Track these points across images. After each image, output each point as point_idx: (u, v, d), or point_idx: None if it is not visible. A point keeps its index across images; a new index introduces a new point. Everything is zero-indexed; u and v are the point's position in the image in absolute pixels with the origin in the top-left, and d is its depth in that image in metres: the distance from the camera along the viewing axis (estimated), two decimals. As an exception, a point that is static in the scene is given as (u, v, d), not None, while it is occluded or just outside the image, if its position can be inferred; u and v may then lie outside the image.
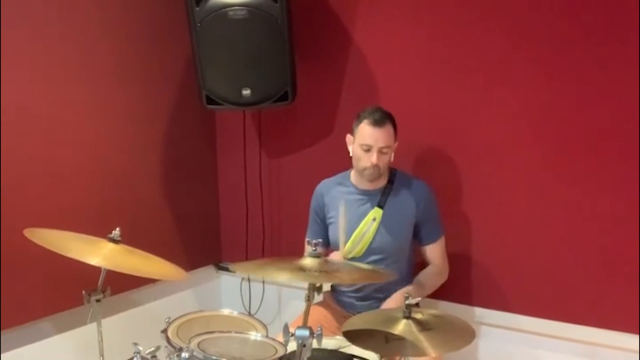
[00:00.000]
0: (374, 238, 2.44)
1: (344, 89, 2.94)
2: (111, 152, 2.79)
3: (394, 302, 2.34)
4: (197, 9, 2.61)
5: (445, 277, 2.55)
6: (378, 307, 2.42)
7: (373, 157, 2.33)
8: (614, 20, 2.33)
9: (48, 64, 2.51)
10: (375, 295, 2.47)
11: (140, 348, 1.89)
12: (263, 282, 3.29)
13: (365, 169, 2.38)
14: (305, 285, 1.79)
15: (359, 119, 2.39)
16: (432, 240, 2.51)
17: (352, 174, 2.53)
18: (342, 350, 2.05)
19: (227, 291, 3.47)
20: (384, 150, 2.35)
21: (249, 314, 3.12)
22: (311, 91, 2.97)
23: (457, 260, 2.65)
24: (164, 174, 3.07)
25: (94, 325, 2.15)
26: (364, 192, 2.49)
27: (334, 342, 2.09)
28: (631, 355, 2.39)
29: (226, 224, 3.43)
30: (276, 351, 1.87)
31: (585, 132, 2.42)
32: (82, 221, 2.55)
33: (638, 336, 2.36)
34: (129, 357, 1.89)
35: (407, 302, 1.82)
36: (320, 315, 2.51)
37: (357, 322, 1.93)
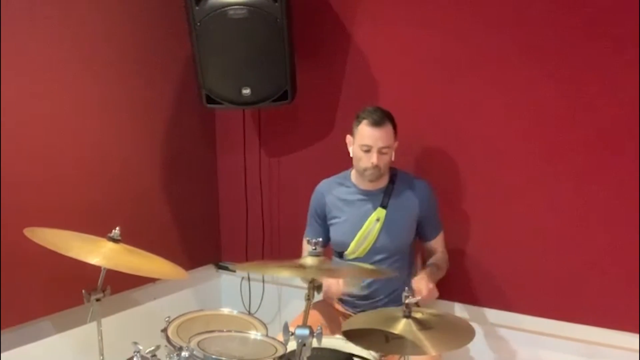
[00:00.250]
0: (377, 238, 2.44)
1: (344, 88, 2.94)
2: (111, 152, 2.79)
3: (424, 281, 2.26)
4: (197, 8, 2.61)
5: (448, 265, 2.55)
6: (379, 306, 2.43)
7: (373, 158, 2.33)
8: (614, 19, 2.33)
9: (48, 63, 2.51)
10: (377, 294, 2.47)
11: (140, 347, 1.89)
12: (263, 281, 3.29)
13: (365, 169, 2.38)
14: (305, 284, 1.79)
15: (358, 119, 2.38)
16: (434, 236, 2.54)
17: (353, 174, 2.53)
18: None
19: (227, 290, 3.47)
20: (384, 151, 2.35)
21: (249, 313, 3.12)
22: (311, 90, 2.97)
23: (457, 259, 2.65)
24: (164, 173, 3.07)
25: (94, 324, 2.15)
26: (366, 192, 2.48)
27: (334, 341, 2.09)
28: (631, 354, 2.39)
29: (226, 223, 3.43)
30: (276, 350, 1.87)
31: (586, 131, 2.42)
32: (82, 220, 2.55)
33: (638, 335, 2.36)
34: (129, 356, 1.90)
35: (407, 301, 1.82)
36: (320, 314, 2.51)
37: (357, 321, 1.93)
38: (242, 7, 2.57)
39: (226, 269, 3.44)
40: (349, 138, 2.44)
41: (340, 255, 2.53)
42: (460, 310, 2.76)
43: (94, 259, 1.99)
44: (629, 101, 2.32)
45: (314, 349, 1.67)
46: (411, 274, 2.51)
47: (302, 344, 1.63)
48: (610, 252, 2.42)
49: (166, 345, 2.01)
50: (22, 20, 2.40)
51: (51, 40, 2.51)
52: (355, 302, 2.52)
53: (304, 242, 2.52)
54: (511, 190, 2.59)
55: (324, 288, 2.37)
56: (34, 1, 2.44)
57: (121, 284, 2.67)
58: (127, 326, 2.75)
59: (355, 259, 2.47)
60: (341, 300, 2.58)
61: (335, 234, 2.53)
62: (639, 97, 2.30)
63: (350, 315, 2.47)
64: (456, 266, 2.62)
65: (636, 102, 2.31)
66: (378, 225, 2.44)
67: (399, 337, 1.75)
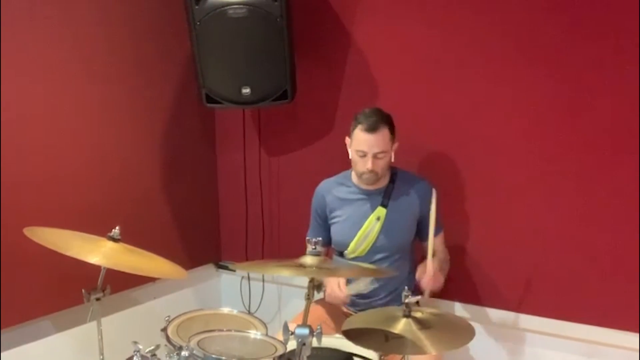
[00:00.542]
0: (377, 237, 2.45)
1: (344, 88, 2.94)
2: (111, 151, 2.79)
3: (429, 272, 2.30)
4: (197, 7, 2.60)
5: (449, 265, 2.54)
6: (379, 305, 2.43)
7: (368, 164, 2.34)
8: (614, 18, 2.33)
9: (48, 63, 2.51)
10: (377, 293, 2.47)
11: (140, 347, 1.89)
12: (263, 280, 3.29)
13: (362, 173, 2.39)
14: (305, 284, 1.79)
15: (354, 122, 2.38)
16: (435, 235, 2.51)
17: (353, 174, 2.52)
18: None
19: (227, 290, 3.47)
20: (380, 156, 2.35)
21: (249, 312, 3.13)
22: (311, 90, 2.97)
23: (458, 259, 2.65)
24: (164, 173, 3.07)
25: (93, 323, 2.15)
26: (366, 192, 2.49)
27: (334, 340, 2.09)
28: (631, 353, 2.39)
29: (226, 222, 3.43)
30: (276, 350, 1.87)
31: (586, 131, 2.42)
32: (82, 220, 2.55)
33: (638, 335, 2.36)
34: (129, 355, 1.90)
35: (407, 300, 1.82)
36: (320, 313, 2.51)
37: (357, 320, 1.93)
38: (242, 6, 2.57)
39: (226, 268, 3.44)
40: (347, 140, 2.45)
41: (341, 254, 2.54)
42: (460, 309, 2.76)
43: (93, 259, 1.99)
44: (629, 101, 2.32)
45: (314, 348, 1.68)
46: (412, 272, 2.51)
47: (301, 344, 1.63)
48: (610, 252, 2.42)
49: (166, 345, 2.01)
50: (22, 20, 2.40)
51: (51, 40, 2.51)
52: (356, 301, 2.52)
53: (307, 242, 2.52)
54: (511, 189, 2.59)
55: (327, 291, 2.38)
56: (34, 1, 2.44)
57: (121, 283, 2.67)
58: (127, 325, 2.75)
59: (355, 258, 2.47)
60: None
61: (335, 233, 2.53)
62: (639, 97, 2.30)
63: (350, 314, 2.47)
64: (457, 265, 2.62)
65: (636, 102, 2.31)
66: (378, 225, 2.44)
67: (399, 337, 1.75)
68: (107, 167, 2.77)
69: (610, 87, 2.36)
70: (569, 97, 2.44)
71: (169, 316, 2.15)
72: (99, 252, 2.05)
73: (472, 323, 1.90)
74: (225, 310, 2.34)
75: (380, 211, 2.45)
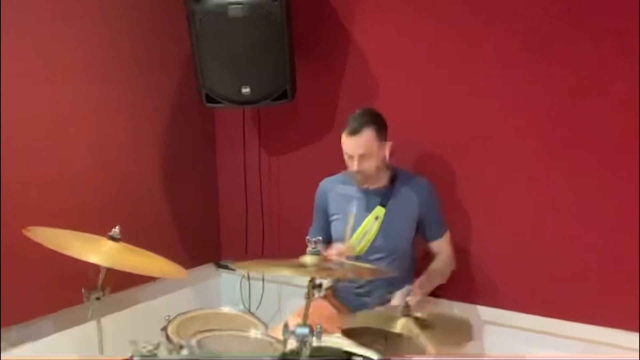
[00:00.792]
0: (376, 236, 2.45)
1: (343, 87, 2.94)
2: (111, 151, 2.79)
3: (399, 298, 2.30)
4: (197, 7, 2.61)
5: (453, 267, 2.55)
6: (375, 303, 2.42)
7: (354, 165, 2.39)
8: (614, 16, 2.33)
9: (48, 63, 2.51)
10: (378, 292, 2.47)
11: (140, 346, 1.88)
12: (263, 280, 3.29)
13: (353, 174, 2.43)
14: (305, 283, 1.79)
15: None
16: (438, 236, 2.53)
17: (354, 173, 2.54)
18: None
19: (227, 289, 3.47)
20: (364, 157, 2.37)
21: (249, 311, 3.12)
22: (310, 89, 2.97)
23: (458, 259, 2.64)
24: (164, 172, 3.08)
25: (93, 323, 2.15)
26: (366, 191, 2.49)
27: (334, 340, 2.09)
28: (631, 353, 2.38)
29: (226, 222, 3.43)
30: (276, 349, 1.87)
31: (586, 130, 2.42)
32: (82, 219, 2.55)
33: (638, 334, 2.36)
34: (129, 355, 1.89)
35: (393, 303, 1.82)
36: (320, 312, 2.51)
37: (357, 320, 1.93)
38: (242, 6, 2.57)
39: (226, 267, 3.44)
40: None
41: (341, 252, 2.54)
42: (460, 309, 2.76)
43: (94, 258, 1.99)
44: (628, 101, 2.32)
45: (314, 348, 1.68)
46: (412, 271, 2.52)
47: (302, 343, 1.63)
48: (610, 252, 2.42)
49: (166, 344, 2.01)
50: (22, 20, 2.40)
51: (51, 41, 2.51)
52: (355, 300, 2.51)
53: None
54: (511, 189, 2.59)
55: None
56: (34, 1, 2.44)
57: (121, 282, 2.66)
58: (127, 325, 2.75)
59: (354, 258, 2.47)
60: (337, 295, 2.58)
61: (334, 230, 2.55)
62: (639, 96, 2.30)
63: (349, 313, 2.46)
64: (457, 265, 2.62)
65: (636, 102, 2.31)
66: (377, 224, 2.45)
67: (399, 336, 1.75)
68: (107, 166, 2.77)
69: (609, 83, 2.35)
70: (569, 95, 2.44)
71: (169, 315, 2.14)
72: (99, 251, 2.05)
73: (472, 322, 1.90)
74: (225, 309, 2.33)
75: (379, 211, 2.45)
